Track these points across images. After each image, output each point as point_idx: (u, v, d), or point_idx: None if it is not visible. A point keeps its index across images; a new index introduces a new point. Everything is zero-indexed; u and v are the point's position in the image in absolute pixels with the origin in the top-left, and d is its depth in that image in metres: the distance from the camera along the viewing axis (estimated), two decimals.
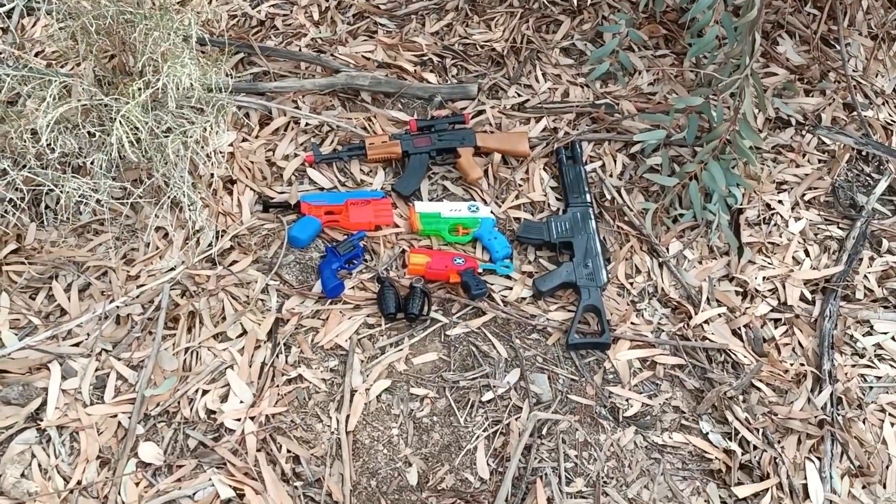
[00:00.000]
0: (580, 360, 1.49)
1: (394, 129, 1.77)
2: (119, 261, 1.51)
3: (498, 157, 1.72)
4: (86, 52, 1.48)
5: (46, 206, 1.54)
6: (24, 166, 1.41)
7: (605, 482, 1.35)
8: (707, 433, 1.42)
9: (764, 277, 1.64)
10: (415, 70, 1.88)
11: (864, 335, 1.58)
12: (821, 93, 1.98)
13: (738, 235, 1.68)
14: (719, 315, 1.57)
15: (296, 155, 1.70)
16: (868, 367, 1.54)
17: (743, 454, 1.39)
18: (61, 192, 1.38)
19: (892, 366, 1.54)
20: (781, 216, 1.75)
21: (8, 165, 1.40)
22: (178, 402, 1.37)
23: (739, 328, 1.55)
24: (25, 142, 1.38)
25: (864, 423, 1.45)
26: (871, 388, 1.51)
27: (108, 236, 1.53)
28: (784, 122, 1.92)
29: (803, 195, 1.79)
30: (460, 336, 1.50)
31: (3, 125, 1.45)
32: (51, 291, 1.46)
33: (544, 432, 1.40)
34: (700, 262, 1.65)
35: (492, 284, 1.56)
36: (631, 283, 1.61)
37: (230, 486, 1.28)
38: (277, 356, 1.43)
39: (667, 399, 1.46)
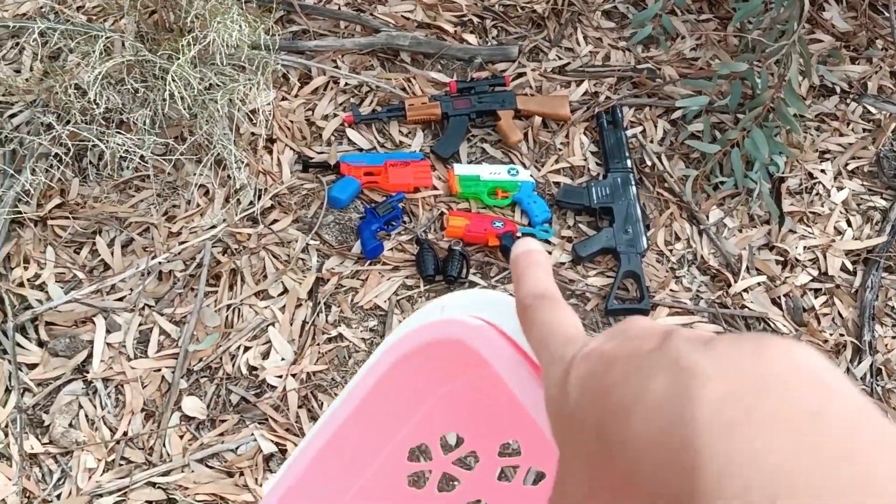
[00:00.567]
0: None
1: (433, 90, 1.76)
2: (161, 217, 1.52)
3: (538, 121, 1.71)
4: (129, 8, 1.47)
5: (90, 162, 1.55)
6: (69, 122, 1.41)
7: None
8: None
9: (805, 247, 1.62)
10: (455, 31, 1.86)
11: None
12: (867, 60, 1.94)
13: (780, 204, 1.66)
14: (759, 284, 1.56)
15: (335, 115, 1.70)
16: None
17: None
18: (106, 147, 1.39)
19: None
20: (824, 185, 1.72)
21: (53, 120, 1.41)
22: (221, 358, 1.38)
23: (779, 297, 1.54)
24: (70, 97, 1.38)
25: None
26: None
27: (151, 192, 1.54)
28: (828, 90, 1.88)
29: (846, 165, 1.77)
30: None
31: (48, 80, 1.46)
32: (94, 246, 1.48)
33: None
34: (740, 231, 1.64)
35: None
36: (670, 250, 1.60)
37: (272, 440, 1.30)
38: (318, 315, 1.44)
39: None
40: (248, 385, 1.36)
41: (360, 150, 1.66)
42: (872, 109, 1.85)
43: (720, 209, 1.66)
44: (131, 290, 1.44)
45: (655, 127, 1.76)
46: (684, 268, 1.58)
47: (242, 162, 1.52)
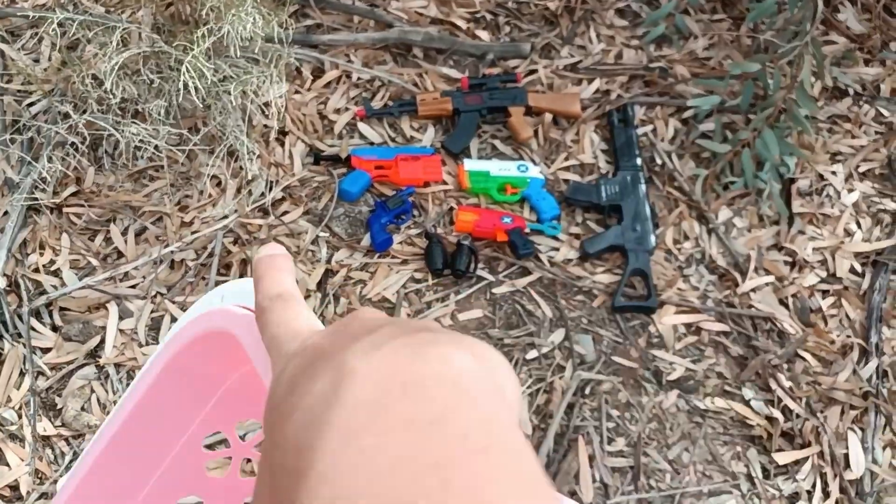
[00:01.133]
0: (625, 322, 1.50)
1: (445, 85, 1.77)
2: (174, 207, 1.54)
3: (549, 118, 1.72)
4: (146, 0, 1.49)
5: (105, 151, 1.57)
6: (86, 111, 1.44)
7: (646, 443, 1.37)
8: (749, 400, 1.43)
9: (813, 248, 1.62)
10: (467, 27, 1.87)
11: None
12: (881, 63, 1.93)
13: (789, 205, 1.66)
14: (766, 284, 1.56)
15: (347, 109, 1.71)
16: None
17: (785, 422, 1.39)
18: (121, 136, 1.41)
19: None
20: (834, 187, 1.72)
21: (70, 109, 1.43)
22: None
23: (786, 297, 1.55)
24: (87, 87, 1.40)
25: None
26: None
27: (164, 182, 1.56)
28: (841, 92, 1.88)
29: (858, 167, 1.76)
30: (506, 295, 1.51)
31: (66, 70, 1.48)
32: (108, 234, 1.50)
33: (587, 392, 1.41)
34: (749, 231, 1.64)
35: (539, 245, 1.57)
36: (679, 249, 1.60)
37: None
38: (326, 307, 1.46)
39: (710, 365, 1.47)
40: None
41: (372, 144, 1.67)
42: (885, 112, 1.84)
43: (729, 209, 1.66)
44: (144, 277, 1.46)
45: (666, 126, 1.77)
46: (692, 267, 1.59)
47: (254, 153, 1.54)
